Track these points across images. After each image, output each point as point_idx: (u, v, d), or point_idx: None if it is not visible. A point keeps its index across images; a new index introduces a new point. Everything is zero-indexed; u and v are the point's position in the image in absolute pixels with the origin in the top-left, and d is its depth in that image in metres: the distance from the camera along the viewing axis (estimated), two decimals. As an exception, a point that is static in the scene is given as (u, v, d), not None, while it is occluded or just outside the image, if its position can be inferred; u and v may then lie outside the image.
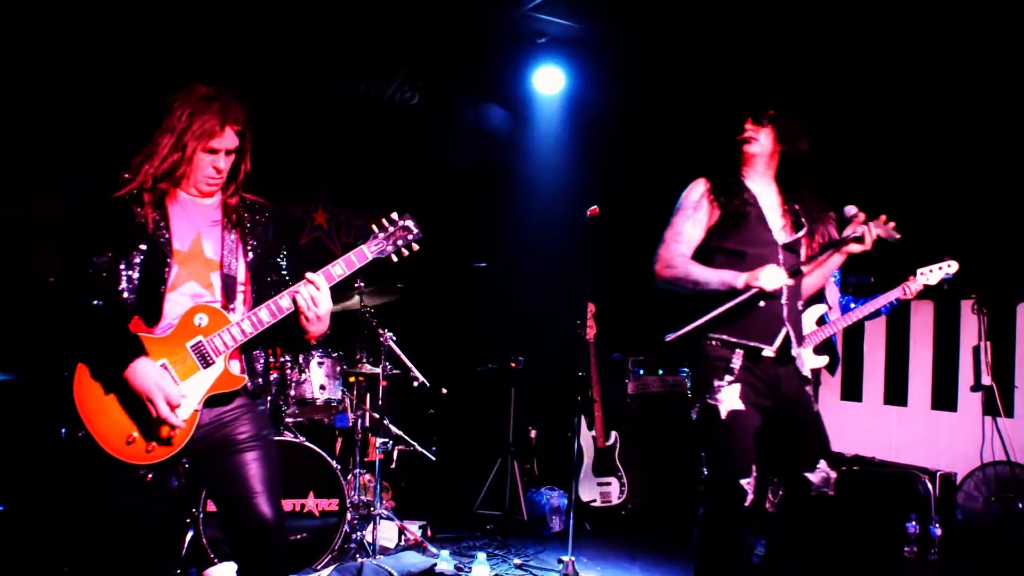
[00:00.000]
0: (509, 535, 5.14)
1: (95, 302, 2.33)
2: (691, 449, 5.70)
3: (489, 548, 4.77)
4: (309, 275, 2.45)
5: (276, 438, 4.00)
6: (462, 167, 6.73)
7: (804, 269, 3.24)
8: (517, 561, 4.55)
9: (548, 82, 6.38)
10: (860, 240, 3.13)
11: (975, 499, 5.17)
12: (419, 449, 5.07)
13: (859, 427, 6.21)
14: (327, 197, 6.56)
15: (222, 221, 2.53)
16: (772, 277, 2.96)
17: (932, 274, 4.30)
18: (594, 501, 5.38)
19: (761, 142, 3.16)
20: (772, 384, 3.06)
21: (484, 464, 5.76)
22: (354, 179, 6.57)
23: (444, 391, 5.55)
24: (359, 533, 4.47)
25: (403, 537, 4.74)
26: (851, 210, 3.22)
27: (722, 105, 3.54)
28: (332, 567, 4.04)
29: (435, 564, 4.18)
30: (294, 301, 2.42)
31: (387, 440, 4.84)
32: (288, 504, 4.07)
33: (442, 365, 5.73)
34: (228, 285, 2.48)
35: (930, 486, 5.03)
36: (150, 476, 2.34)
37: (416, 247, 2.54)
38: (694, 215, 3.16)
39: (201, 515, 3.85)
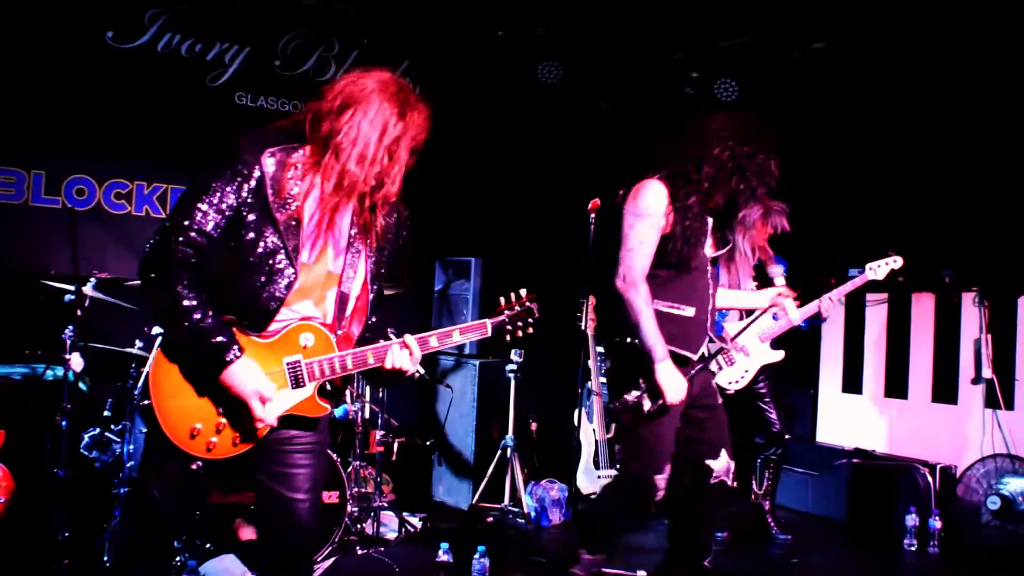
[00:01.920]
0: (509, 527, 5.14)
1: (200, 296, 2.11)
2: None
3: (489, 540, 4.76)
4: (408, 339, 2.34)
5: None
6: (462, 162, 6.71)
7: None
8: (516, 553, 4.55)
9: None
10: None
11: (975, 492, 5.17)
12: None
13: (859, 420, 6.21)
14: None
15: (351, 223, 2.31)
16: (677, 393, 3.07)
17: (880, 269, 4.37)
18: (594, 494, 5.37)
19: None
20: (688, 384, 3.16)
21: (484, 456, 5.76)
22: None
23: (449, 386, 5.56)
24: (359, 525, 4.47)
25: (403, 529, 4.75)
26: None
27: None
28: (332, 559, 4.04)
29: (436, 556, 4.18)
30: (380, 360, 2.33)
31: (387, 433, 4.84)
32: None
33: (443, 358, 5.74)
34: (341, 305, 2.33)
35: (930, 479, 5.03)
36: (200, 469, 2.23)
37: (532, 330, 2.56)
38: (658, 224, 3.12)
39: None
